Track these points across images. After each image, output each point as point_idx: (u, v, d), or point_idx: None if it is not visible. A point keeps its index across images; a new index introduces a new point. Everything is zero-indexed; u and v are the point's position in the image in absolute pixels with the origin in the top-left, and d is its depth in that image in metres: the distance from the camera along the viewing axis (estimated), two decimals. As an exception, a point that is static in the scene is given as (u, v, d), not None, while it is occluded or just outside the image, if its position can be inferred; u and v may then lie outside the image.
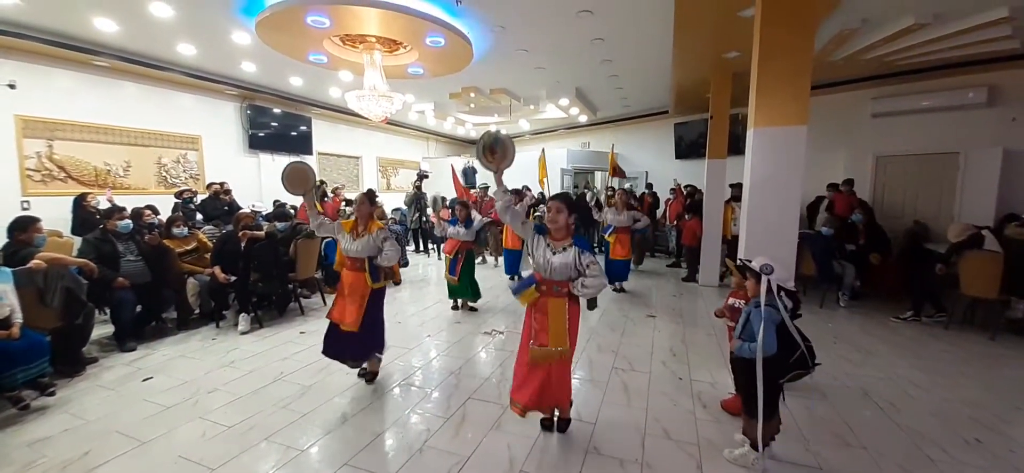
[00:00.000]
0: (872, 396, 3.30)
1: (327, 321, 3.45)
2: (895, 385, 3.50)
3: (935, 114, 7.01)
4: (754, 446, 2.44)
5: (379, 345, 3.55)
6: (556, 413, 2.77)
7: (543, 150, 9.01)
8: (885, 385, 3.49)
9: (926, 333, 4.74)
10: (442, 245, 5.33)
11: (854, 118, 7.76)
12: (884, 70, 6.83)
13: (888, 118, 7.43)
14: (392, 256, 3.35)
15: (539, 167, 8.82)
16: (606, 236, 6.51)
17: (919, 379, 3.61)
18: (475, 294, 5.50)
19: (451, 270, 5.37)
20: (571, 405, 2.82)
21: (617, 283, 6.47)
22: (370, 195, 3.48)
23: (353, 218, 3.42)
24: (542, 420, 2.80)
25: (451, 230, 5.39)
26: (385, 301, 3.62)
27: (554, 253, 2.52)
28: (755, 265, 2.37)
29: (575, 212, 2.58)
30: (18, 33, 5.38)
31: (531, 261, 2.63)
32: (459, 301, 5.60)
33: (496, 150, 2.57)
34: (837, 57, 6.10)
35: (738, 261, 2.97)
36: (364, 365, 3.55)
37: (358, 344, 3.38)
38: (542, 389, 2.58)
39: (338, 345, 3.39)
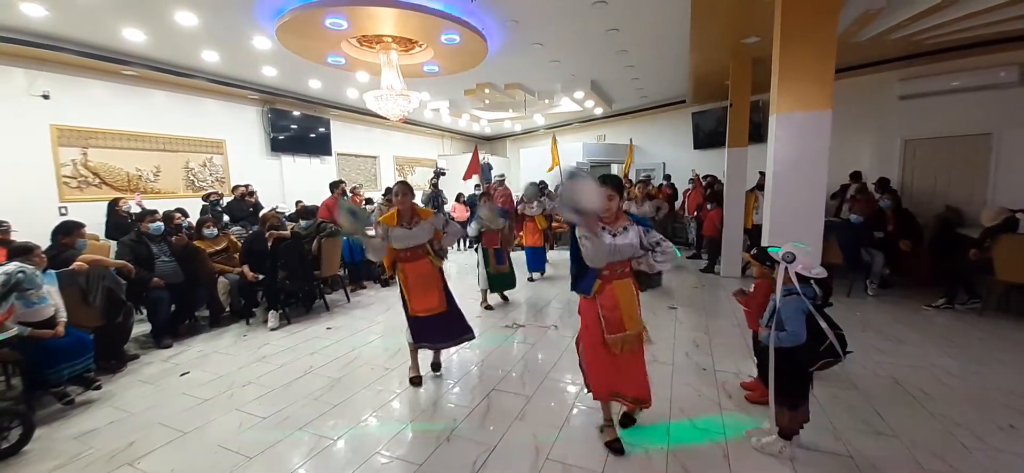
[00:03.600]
0: (904, 385, 3.24)
1: (410, 317, 3.35)
2: (928, 373, 3.42)
3: (965, 94, 6.76)
4: (782, 434, 2.42)
5: (467, 326, 3.50)
6: (638, 408, 2.67)
7: (553, 137, 9.11)
8: (917, 373, 3.41)
9: (960, 321, 4.61)
10: (482, 240, 5.48)
11: (881, 101, 7.54)
12: (911, 50, 6.61)
13: (916, 100, 7.19)
14: (455, 232, 3.52)
15: (552, 155, 9.03)
16: None
17: (952, 367, 3.52)
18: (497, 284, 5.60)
19: (499, 260, 5.50)
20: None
21: None
22: (408, 185, 3.39)
23: (394, 210, 3.29)
24: (623, 417, 2.74)
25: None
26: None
27: (615, 235, 2.42)
28: (778, 254, 2.36)
29: (621, 192, 2.48)
30: (51, 45, 5.59)
31: (587, 249, 2.34)
32: (503, 294, 5.73)
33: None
34: (862, 38, 5.93)
35: (754, 250, 2.98)
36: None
37: (455, 322, 3.42)
38: (626, 376, 2.52)
39: (433, 332, 3.37)
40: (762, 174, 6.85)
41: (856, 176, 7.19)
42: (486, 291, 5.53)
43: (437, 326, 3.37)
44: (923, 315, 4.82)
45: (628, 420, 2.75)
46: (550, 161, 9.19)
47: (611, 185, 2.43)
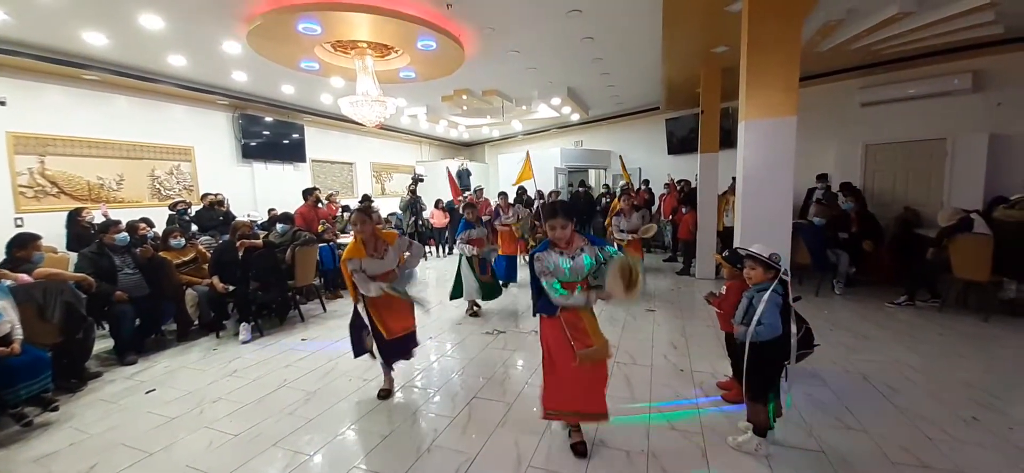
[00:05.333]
0: (871, 380, 3.36)
1: (386, 341, 3.25)
2: (893, 369, 3.55)
3: (922, 101, 7.11)
4: (757, 431, 2.48)
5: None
6: (596, 427, 2.71)
7: (527, 154, 9.16)
8: (883, 369, 3.54)
9: (921, 317, 4.81)
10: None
11: (843, 108, 7.85)
12: (871, 59, 6.92)
13: (876, 107, 7.52)
14: (418, 254, 3.61)
15: (525, 169, 9.08)
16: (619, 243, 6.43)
17: (916, 362, 3.66)
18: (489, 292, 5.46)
19: (483, 271, 5.37)
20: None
21: None
22: (367, 210, 3.34)
23: (358, 241, 3.21)
24: (576, 446, 2.56)
25: (474, 232, 5.41)
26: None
27: (573, 258, 2.46)
28: (763, 254, 2.43)
29: (574, 217, 2.54)
30: (7, 50, 5.34)
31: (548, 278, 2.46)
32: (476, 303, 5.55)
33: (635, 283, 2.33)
34: (823, 48, 6.18)
35: (726, 253, 3.05)
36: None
37: (412, 339, 3.51)
38: (590, 393, 2.50)
39: (400, 348, 3.43)
40: (734, 179, 7.04)
41: (823, 177, 7.45)
42: (473, 301, 5.46)
43: (406, 342, 3.44)
44: (887, 313, 5.01)
45: (582, 448, 2.56)
46: (523, 174, 9.17)
47: (563, 213, 2.45)
